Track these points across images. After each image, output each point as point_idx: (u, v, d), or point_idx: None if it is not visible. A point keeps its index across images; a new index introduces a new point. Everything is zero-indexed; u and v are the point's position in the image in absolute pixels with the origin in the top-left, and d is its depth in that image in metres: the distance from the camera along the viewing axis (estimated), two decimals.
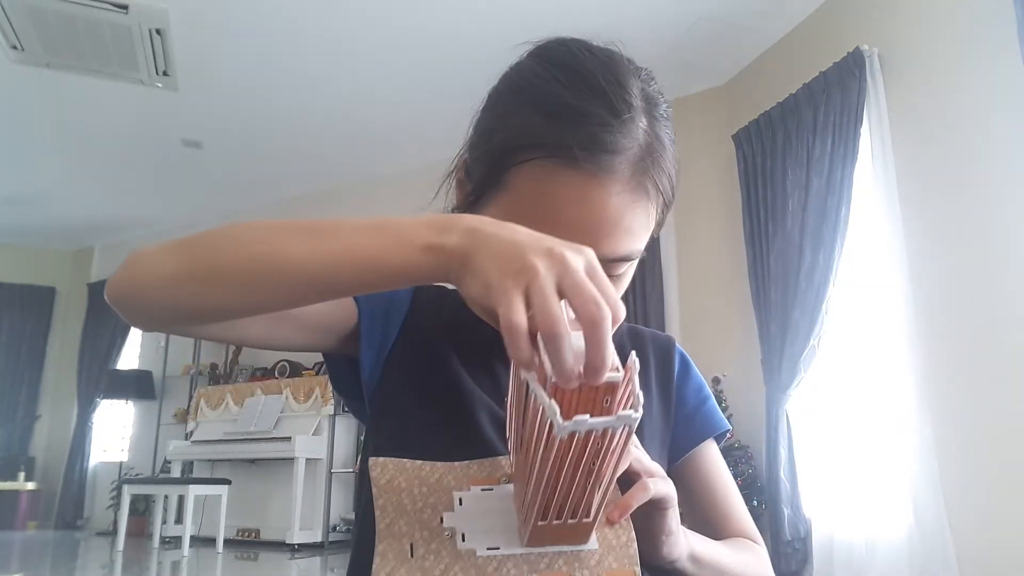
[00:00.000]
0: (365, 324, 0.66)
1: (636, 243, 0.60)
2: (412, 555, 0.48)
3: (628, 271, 0.63)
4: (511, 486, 0.54)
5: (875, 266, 3.11)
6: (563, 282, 0.42)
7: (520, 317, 0.41)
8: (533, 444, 0.45)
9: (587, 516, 0.49)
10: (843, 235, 3.19)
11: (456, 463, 0.54)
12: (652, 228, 0.63)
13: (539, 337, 0.42)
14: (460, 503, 0.52)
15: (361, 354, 0.66)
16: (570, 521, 0.49)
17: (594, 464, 0.45)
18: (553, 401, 0.41)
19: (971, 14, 2.80)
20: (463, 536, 0.50)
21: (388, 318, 0.69)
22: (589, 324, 0.40)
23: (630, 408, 0.42)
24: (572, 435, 0.41)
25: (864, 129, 3.16)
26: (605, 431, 0.42)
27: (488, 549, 0.49)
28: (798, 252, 3.39)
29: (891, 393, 2.97)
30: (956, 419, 2.72)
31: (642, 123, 0.58)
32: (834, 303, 3.24)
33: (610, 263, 0.59)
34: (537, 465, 0.44)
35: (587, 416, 0.40)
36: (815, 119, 3.40)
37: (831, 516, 3.17)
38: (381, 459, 0.54)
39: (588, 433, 0.42)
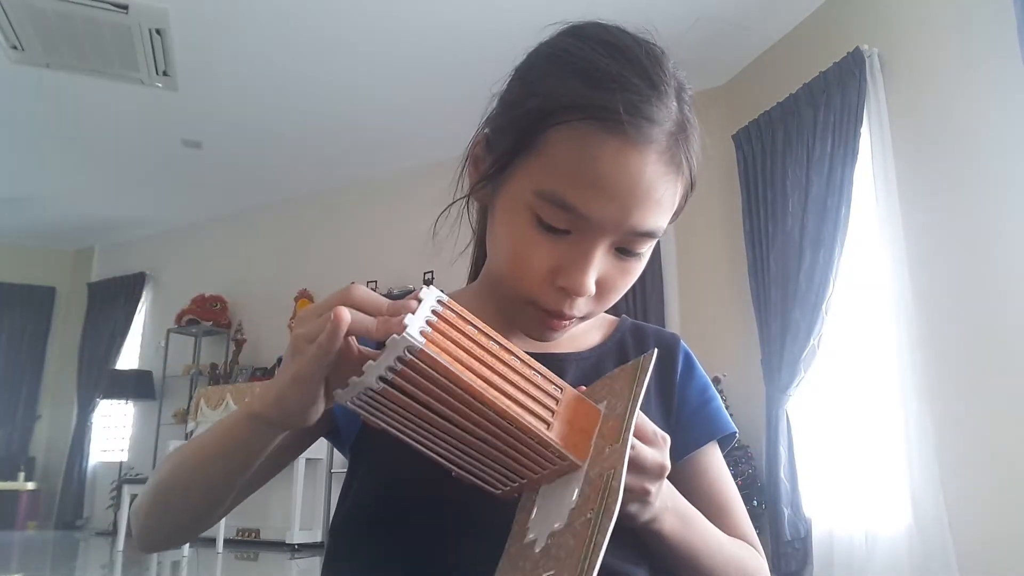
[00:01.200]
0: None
1: (662, 219, 0.60)
2: None
3: (646, 253, 0.62)
4: (544, 488, 0.53)
5: (875, 266, 3.11)
6: (313, 313, 0.51)
7: (324, 344, 0.48)
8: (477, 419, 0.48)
9: (560, 388, 0.53)
10: (843, 235, 3.19)
11: (510, 546, 0.53)
12: (675, 207, 0.62)
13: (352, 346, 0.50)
14: (533, 537, 0.50)
15: (338, 424, 0.69)
16: (560, 408, 0.51)
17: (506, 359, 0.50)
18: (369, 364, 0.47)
19: (971, 14, 2.80)
20: (559, 523, 0.49)
21: None
22: (355, 303, 0.49)
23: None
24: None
25: (864, 129, 3.16)
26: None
27: (574, 497, 0.48)
28: (798, 252, 3.39)
29: (891, 393, 2.97)
30: (956, 418, 2.72)
31: (674, 103, 0.59)
32: (834, 303, 3.24)
33: (635, 238, 0.59)
34: (496, 413, 0.47)
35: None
36: (815, 119, 3.40)
37: (831, 516, 3.17)
38: None
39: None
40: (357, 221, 5.94)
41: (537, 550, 0.49)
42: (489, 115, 0.66)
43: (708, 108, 4.26)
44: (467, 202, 0.70)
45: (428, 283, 5.27)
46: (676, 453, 0.72)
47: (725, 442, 0.77)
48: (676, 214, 0.64)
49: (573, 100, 0.56)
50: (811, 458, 3.35)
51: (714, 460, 0.75)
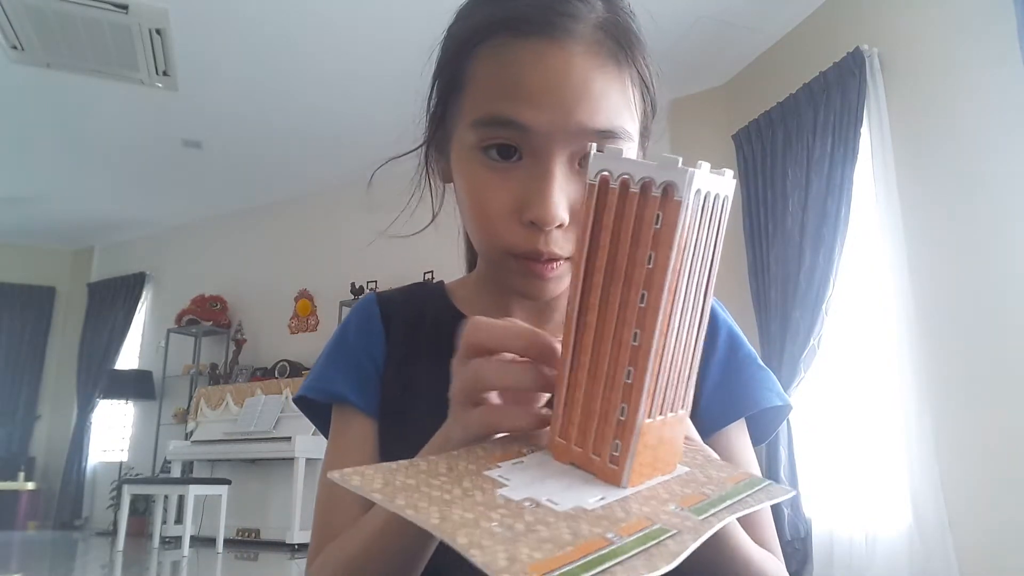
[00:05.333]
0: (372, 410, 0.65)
1: (614, 116, 0.54)
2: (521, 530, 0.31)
3: None
4: (539, 454, 0.41)
5: (875, 266, 3.11)
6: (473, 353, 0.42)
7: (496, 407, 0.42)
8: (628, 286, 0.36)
9: (683, 404, 0.39)
10: (843, 235, 3.19)
11: (455, 451, 0.41)
12: (637, 116, 0.57)
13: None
14: (505, 479, 0.37)
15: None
16: (670, 415, 0.38)
17: (704, 275, 0.37)
18: None
19: (971, 14, 2.80)
20: (552, 500, 0.34)
21: (375, 372, 0.67)
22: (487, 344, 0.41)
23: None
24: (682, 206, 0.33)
25: (864, 129, 3.16)
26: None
27: (595, 500, 0.35)
28: (798, 252, 3.39)
29: (891, 393, 2.97)
30: (956, 418, 2.72)
31: (598, 3, 0.56)
32: (834, 303, 3.24)
33: (596, 138, 0.53)
34: (647, 307, 0.35)
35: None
36: (815, 119, 3.40)
37: (831, 516, 3.17)
38: (352, 469, 0.36)
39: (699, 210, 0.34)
40: (357, 221, 5.94)
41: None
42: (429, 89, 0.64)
43: (708, 108, 4.26)
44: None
45: (428, 283, 5.25)
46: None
47: (768, 420, 0.65)
48: (644, 130, 0.59)
49: (484, 20, 0.55)
50: (811, 458, 3.35)
51: (730, 446, 0.63)
